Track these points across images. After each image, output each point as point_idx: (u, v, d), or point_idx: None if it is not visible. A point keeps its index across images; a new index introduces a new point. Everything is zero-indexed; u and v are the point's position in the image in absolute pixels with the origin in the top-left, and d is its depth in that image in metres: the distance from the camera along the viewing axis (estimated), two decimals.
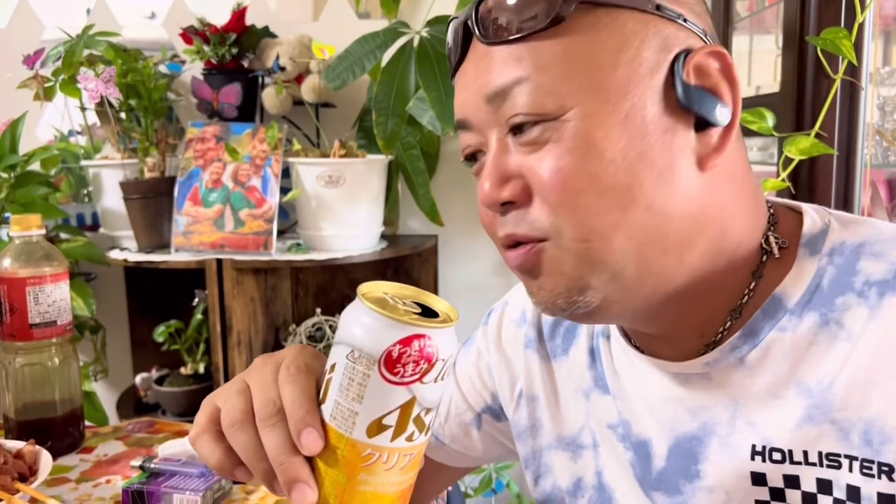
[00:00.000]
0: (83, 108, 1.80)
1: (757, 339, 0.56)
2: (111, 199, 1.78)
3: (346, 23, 1.93)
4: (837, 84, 1.18)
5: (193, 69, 1.87)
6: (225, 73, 1.81)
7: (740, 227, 0.57)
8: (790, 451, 0.53)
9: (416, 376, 0.45)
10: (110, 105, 1.70)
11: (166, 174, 1.73)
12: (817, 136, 1.18)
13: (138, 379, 1.88)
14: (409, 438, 0.46)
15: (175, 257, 1.64)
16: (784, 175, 1.21)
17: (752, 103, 1.28)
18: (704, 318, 0.58)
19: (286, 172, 1.71)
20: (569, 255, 0.53)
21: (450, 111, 1.45)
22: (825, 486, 0.52)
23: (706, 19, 0.57)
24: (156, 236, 1.71)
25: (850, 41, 1.12)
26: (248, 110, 1.85)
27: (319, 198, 1.64)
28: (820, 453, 0.52)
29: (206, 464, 0.52)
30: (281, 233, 1.78)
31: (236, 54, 1.79)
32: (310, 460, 0.48)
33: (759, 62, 1.61)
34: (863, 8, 1.13)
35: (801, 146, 1.17)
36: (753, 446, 0.55)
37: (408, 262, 1.93)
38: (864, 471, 0.50)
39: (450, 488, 1.07)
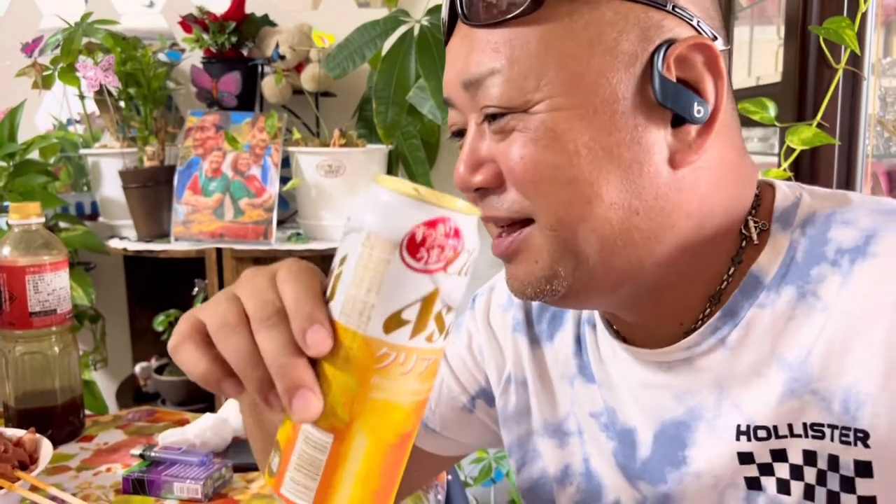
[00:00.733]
0: (82, 97, 1.79)
1: (737, 319, 0.55)
2: (110, 188, 1.77)
3: (346, 11, 1.92)
4: (840, 74, 1.17)
5: (192, 58, 1.87)
6: (224, 62, 1.81)
7: (720, 218, 0.56)
8: (775, 427, 0.53)
9: (441, 264, 0.40)
10: (109, 94, 1.70)
11: (166, 163, 1.72)
12: (819, 126, 1.18)
13: (138, 368, 1.88)
14: (429, 339, 0.41)
15: (175, 246, 1.64)
16: (785, 165, 1.20)
17: (753, 93, 1.27)
18: (682, 307, 0.58)
19: (286, 162, 1.70)
20: (546, 242, 0.54)
21: None
22: (811, 458, 0.52)
23: (704, 3, 0.55)
24: (155, 225, 1.71)
25: (854, 31, 1.12)
26: (248, 99, 1.84)
27: (319, 187, 1.64)
28: (805, 424, 0.52)
29: (190, 375, 0.44)
30: (280, 222, 1.77)
31: (236, 43, 1.79)
32: (313, 367, 0.41)
33: (759, 53, 1.60)
34: None
35: (804, 136, 1.16)
36: (738, 426, 0.55)
37: None
38: (843, 439, 0.50)
39: (449, 478, 1.07)
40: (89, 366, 1.81)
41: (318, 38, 1.68)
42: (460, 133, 0.59)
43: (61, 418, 1.07)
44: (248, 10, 1.81)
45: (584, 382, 0.67)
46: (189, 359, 0.44)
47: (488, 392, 0.76)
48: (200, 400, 1.74)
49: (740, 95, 0.46)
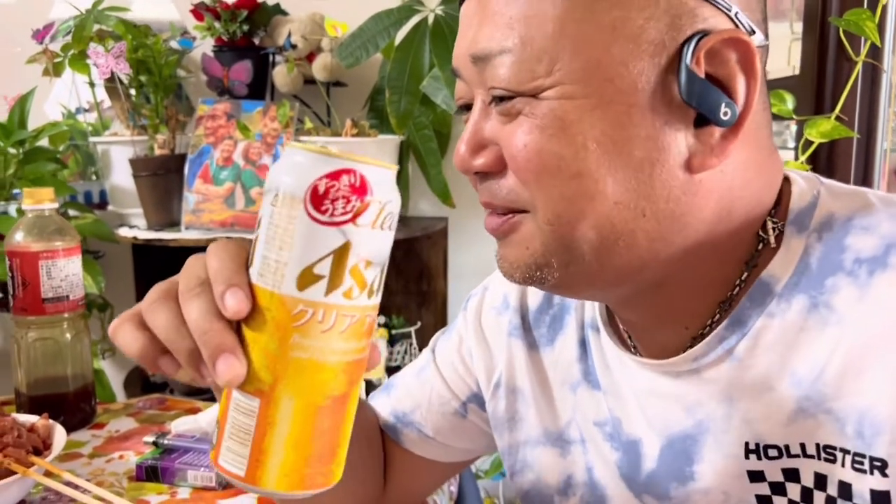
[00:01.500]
0: (92, 85, 1.78)
1: (745, 329, 0.52)
2: (120, 176, 1.76)
3: (359, 0, 1.91)
4: (859, 66, 1.16)
5: (204, 46, 1.86)
6: (236, 51, 1.80)
7: (738, 222, 0.52)
8: (786, 446, 0.50)
9: (349, 216, 0.39)
10: (120, 81, 1.69)
11: (176, 151, 1.71)
12: (837, 119, 1.17)
13: None
14: (347, 295, 0.40)
15: (185, 235, 1.64)
16: (803, 158, 1.19)
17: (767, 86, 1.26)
18: (689, 311, 0.55)
19: None
20: (540, 233, 0.51)
21: None
22: (821, 482, 0.49)
23: None
24: (165, 214, 1.70)
25: (874, 23, 1.10)
26: (259, 88, 1.83)
27: None
28: (818, 445, 0.49)
29: (128, 354, 0.45)
30: None
31: (247, 31, 1.77)
32: (238, 333, 0.41)
33: (771, 47, 1.59)
34: None
35: (822, 129, 1.15)
36: (747, 444, 0.52)
37: (417, 243, 1.91)
38: (856, 465, 0.47)
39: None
40: (97, 354, 1.80)
41: (331, 26, 1.67)
42: (467, 107, 0.56)
43: (73, 405, 1.06)
44: None
45: (589, 389, 0.64)
46: (128, 339, 0.45)
47: (479, 396, 0.73)
48: (209, 389, 1.73)
49: None
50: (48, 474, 0.81)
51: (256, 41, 1.83)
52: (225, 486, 0.89)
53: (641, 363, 0.58)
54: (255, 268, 0.41)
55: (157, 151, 1.69)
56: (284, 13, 1.84)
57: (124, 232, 1.71)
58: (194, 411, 1.13)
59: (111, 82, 1.69)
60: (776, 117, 1.23)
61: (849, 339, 0.48)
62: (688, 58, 0.47)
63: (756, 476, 0.52)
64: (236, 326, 0.42)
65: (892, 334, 0.46)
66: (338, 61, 1.64)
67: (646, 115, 0.48)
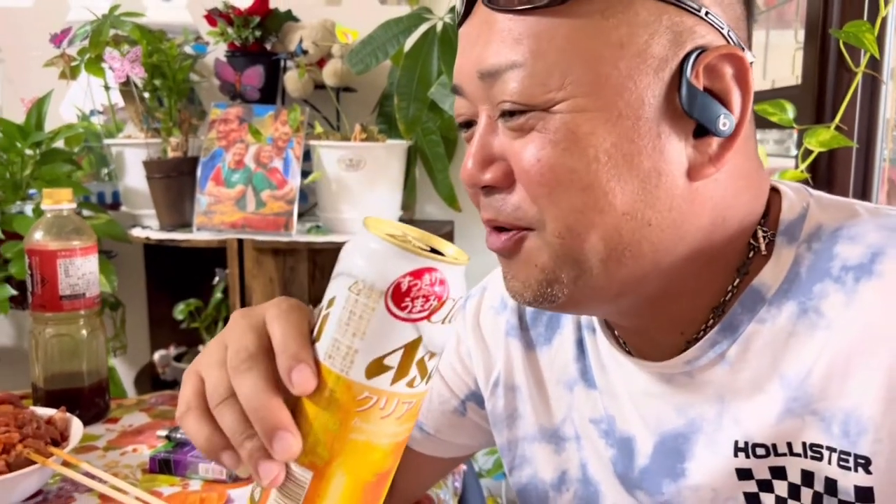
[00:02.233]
0: (107, 88, 1.82)
1: (736, 334, 0.54)
2: (133, 178, 1.80)
3: (369, 8, 1.94)
4: (859, 77, 1.18)
5: (217, 51, 1.89)
6: (248, 56, 1.83)
7: (731, 230, 0.55)
8: (773, 445, 0.53)
9: (425, 313, 0.41)
10: (135, 85, 1.72)
11: (188, 154, 1.75)
12: (837, 129, 1.19)
13: (156, 356, 1.91)
14: (411, 384, 0.42)
15: (197, 236, 1.67)
16: (803, 167, 1.21)
17: (769, 96, 1.29)
18: (684, 317, 0.57)
19: (307, 155, 1.73)
20: (547, 248, 0.52)
21: None
22: (808, 479, 0.51)
23: (734, 11, 0.53)
24: (178, 215, 1.73)
25: (873, 35, 1.13)
26: (270, 93, 1.87)
27: (340, 181, 1.66)
28: (804, 444, 0.51)
29: (195, 445, 0.45)
30: (300, 215, 1.80)
31: (259, 37, 1.81)
32: (295, 409, 0.42)
33: (775, 57, 1.61)
34: (886, 3, 1.13)
35: (822, 138, 1.18)
36: (736, 443, 0.54)
37: None
38: (842, 463, 0.49)
39: (465, 468, 1.08)
40: (110, 352, 1.84)
41: (341, 33, 1.70)
42: (468, 124, 0.56)
43: (88, 400, 1.09)
44: (272, 5, 1.83)
45: (586, 388, 0.66)
46: (193, 430, 0.45)
47: (478, 395, 0.75)
48: None
49: (756, 98, 0.47)
50: (66, 464, 0.84)
51: (268, 47, 1.87)
52: (235, 479, 0.92)
53: (636, 364, 0.60)
54: (322, 346, 0.42)
55: (170, 154, 1.73)
56: (296, 20, 1.88)
57: (137, 232, 1.74)
58: None
59: (126, 86, 1.73)
60: (776, 126, 1.25)
61: (836, 343, 0.50)
62: (689, 72, 0.49)
63: (744, 474, 0.54)
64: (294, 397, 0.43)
65: (877, 338, 0.48)
66: (348, 67, 1.67)
67: (652, 128, 0.50)
